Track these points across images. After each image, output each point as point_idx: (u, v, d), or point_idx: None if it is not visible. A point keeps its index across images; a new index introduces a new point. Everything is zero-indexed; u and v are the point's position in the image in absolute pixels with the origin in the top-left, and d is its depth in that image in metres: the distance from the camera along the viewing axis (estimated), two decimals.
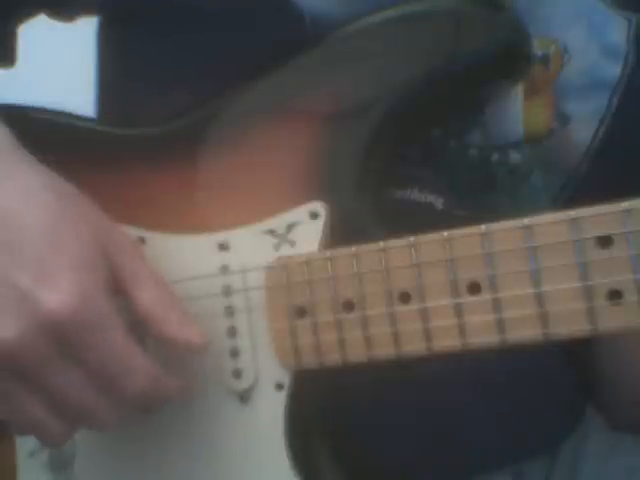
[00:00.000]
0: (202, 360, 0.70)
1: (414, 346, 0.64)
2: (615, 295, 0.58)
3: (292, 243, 0.69)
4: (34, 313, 0.60)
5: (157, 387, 0.65)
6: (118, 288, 0.66)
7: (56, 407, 0.63)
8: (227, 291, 0.70)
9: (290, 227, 0.69)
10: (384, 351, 0.65)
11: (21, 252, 0.61)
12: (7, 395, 0.63)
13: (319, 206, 0.68)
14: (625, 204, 0.58)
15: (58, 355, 0.61)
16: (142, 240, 0.72)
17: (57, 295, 0.60)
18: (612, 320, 0.58)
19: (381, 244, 0.64)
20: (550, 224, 0.60)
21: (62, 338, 0.61)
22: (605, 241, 0.58)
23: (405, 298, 0.64)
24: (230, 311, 0.70)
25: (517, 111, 0.73)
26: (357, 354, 0.65)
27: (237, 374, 0.70)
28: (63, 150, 0.68)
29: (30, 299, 0.60)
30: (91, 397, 0.63)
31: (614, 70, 0.73)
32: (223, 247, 0.71)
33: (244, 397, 0.70)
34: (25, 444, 0.76)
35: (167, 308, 0.66)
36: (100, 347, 0.62)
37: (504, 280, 0.61)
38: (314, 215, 0.68)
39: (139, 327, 0.66)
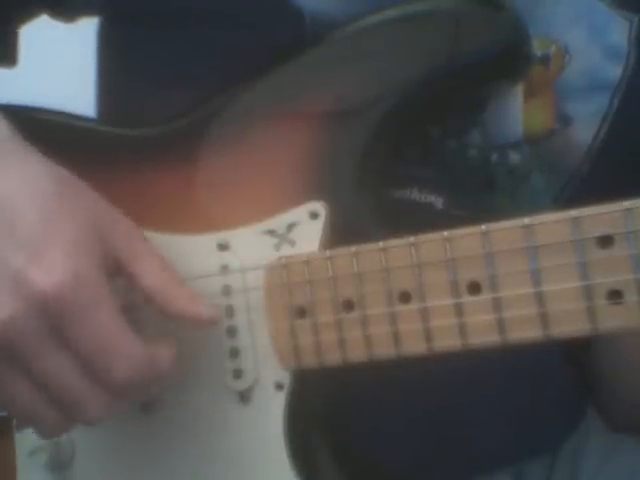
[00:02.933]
0: (202, 360, 0.70)
1: (414, 346, 0.64)
2: (615, 295, 0.58)
3: (292, 243, 0.69)
4: (26, 292, 0.60)
5: (147, 373, 0.63)
6: (119, 270, 0.65)
7: (48, 393, 0.63)
8: (227, 291, 0.70)
9: (290, 227, 0.69)
10: (384, 351, 0.65)
11: (16, 234, 0.61)
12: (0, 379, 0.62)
13: (319, 206, 0.68)
14: (626, 204, 0.57)
15: (49, 336, 0.61)
16: None
17: (48, 274, 0.60)
18: (612, 320, 0.58)
19: (381, 244, 0.64)
20: (551, 224, 0.60)
21: (53, 318, 0.61)
22: (606, 241, 0.58)
23: (405, 298, 0.64)
24: (230, 311, 0.70)
25: (517, 111, 0.73)
26: (357, 354, 0.65)
27: (237, 374, 0.70)
28: (64, 150, 0.68)
29: (22, 279, 0.60)
30: (81, 382, 0.62)
31: (615, 71, 0.73)
32: (223, 247, 0.71)
33: (244, 397, 0.70)
34: (25, 444, 0.76)
35: (175, 284, 0.67)
36: (87, 326, 0.61)
37: (504, 280, 0.61)
38: (314, 215, 0.68)
39: (135, 314, 0.66)
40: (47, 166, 0.66)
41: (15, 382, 0.62)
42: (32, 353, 0.61)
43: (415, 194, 0.72)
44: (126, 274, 0.66)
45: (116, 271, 0.65)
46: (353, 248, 0.65)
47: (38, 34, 0.87)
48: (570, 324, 0.59)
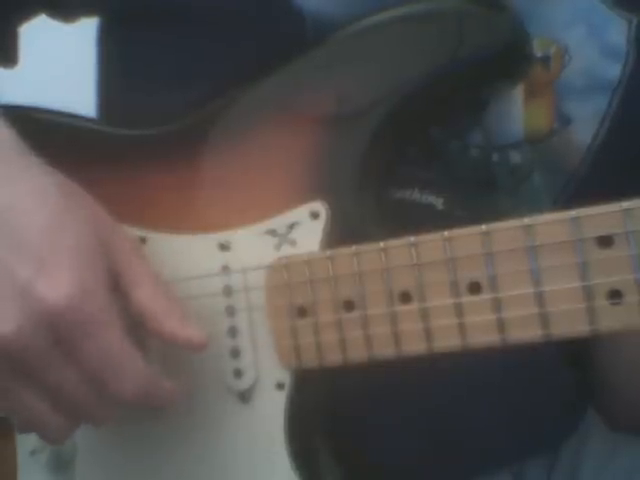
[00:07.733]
0: (203, 360, 0.70)
1: (414, 346, 0.64)
2: (615, 295, 0.58)
3: (293, 243, 0.69)
4: (33, 305, 0.60)
5: (151, 391, 0.64)
6: (117, 287, 0.65)
7: (53, 402, 0.63)
8: (228, 291, 0.70)
9: (291, 227, 0.69)
10: (384, 351, 0.65)
11: (23, 247, 0.61)
12: (5, 390, 0.63)
13: (320, 206, 0.69)
14: (626, 204, 0.58)
15: (55, 349, 0.61)
16: (143, 240, 0.72)
17: (56, 288, 0.60)
18: (612, 320, 0.58)
19: (381, 244, 0.65)
20: (551, 224, 0.60)
21: (59, 332, 0.61)
22: (606, 241, 0.58)
23: (405, 298, 0.64)
24: (231, 311, 0.70)
25: (518, 111, 0.73)
26: (357, 354, 0.65)
27: (238, 374, 0.70)
28: (64, 150, 0.68)
29: (29, 292, 0.60)
30: (86, 395, 0.63)
31: (614, 70, 0.74)
32: (224, 247, 0.71)
33: (245, 397, 0.70)
34: (26, 444, 0.76)
35: (167, 306, 0.66)
36: (95, 343, 0.61)
37: (504, 280, 0.61)
38: (315, 215, 0.69)
39: (140, 330, 0.66)
40: (50, 177, 0.65)
41: (20, 392, 0.63)
42: (37, 366, 0.61)
43: (416, 194, 0.73)
44: (123, 293, 0.66)
45: (114, 286, 0.65)
46: (353, 248, 0.65)
47: (38, 34, 0.87)
48: (570, 324, 0.59)
